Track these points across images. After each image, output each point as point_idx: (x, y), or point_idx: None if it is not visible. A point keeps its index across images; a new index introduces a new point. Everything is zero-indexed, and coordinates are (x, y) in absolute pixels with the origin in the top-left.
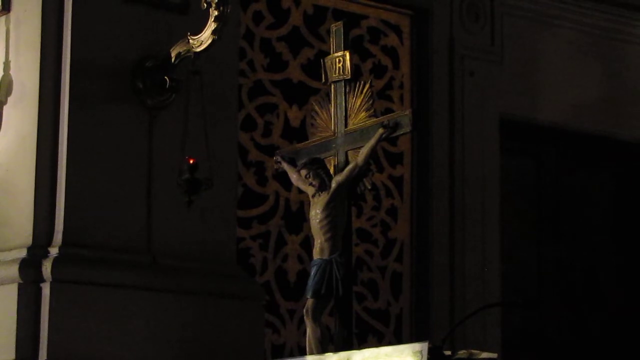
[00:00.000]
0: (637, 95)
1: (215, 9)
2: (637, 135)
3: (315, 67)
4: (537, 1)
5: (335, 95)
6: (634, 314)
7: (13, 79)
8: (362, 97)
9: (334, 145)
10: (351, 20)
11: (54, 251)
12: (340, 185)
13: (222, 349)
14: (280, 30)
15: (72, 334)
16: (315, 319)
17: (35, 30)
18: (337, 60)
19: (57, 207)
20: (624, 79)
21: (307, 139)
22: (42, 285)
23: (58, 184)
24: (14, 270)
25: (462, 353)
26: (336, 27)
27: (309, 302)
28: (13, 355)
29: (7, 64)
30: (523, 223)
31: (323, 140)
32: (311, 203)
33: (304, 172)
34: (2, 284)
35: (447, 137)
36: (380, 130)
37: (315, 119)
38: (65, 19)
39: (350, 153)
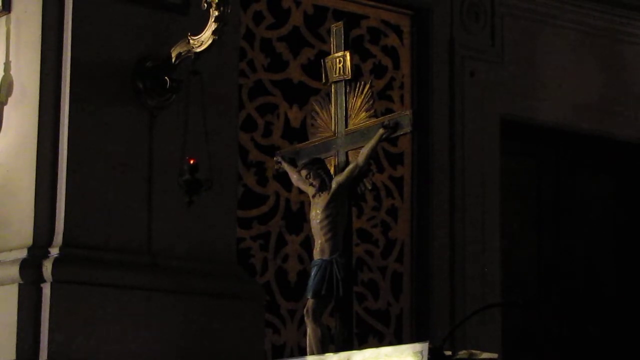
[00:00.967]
0: (637, 95)
1: (215, 10)
2: (637, 135)
3: (315, 68)
4: (537, 1)
5: (336, 96)
6: (634, 314)
7: (13, 79)
8: (362, 98)
9: (334, 146)
10: (351, 21)
11: (54, 251)
12: (340, 186)
13: (223, 349)
14: (281, 30)
15: (72, 334)
16: (316, 319)
17: (36, 30)
18: (338, 60)
19: (57, 208)
20: (624, 80)
21: (307, 139)
22: (42, 285)
23: (58, 184)
24: (14, 271)
25: (462, 353)
26: (336, 27)
27: (310, 302)
28: (13, 356)
29: (7, 65)
30: (523, 223)
31: (323, 141)
32: (311, 203)
33: (304, 172)
34: (2, 285)
35: (447, 138)
36: (381, 131)
37: (315, 119)
38: (65, 20)
39: (350, 153)
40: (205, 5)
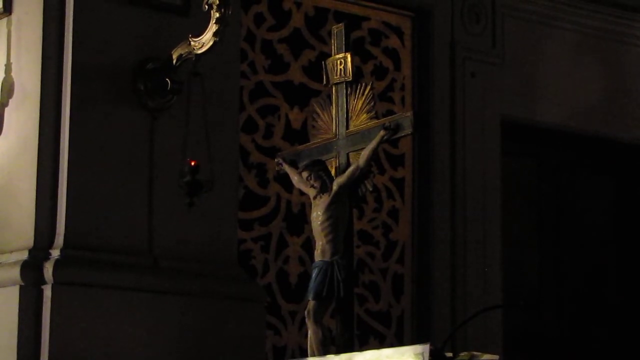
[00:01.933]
0: (637, 96)
1: (216, 11)
2: (637, 136)
3: (316, 69)
4: (538, 3)
5: (337, 97)
6: (634, 316)
7: (14, 81)
8: (363, 99)
9: (335, 147)
10: (352, 22)
11: (55, 253)
12: (341, 187)
13: (224, 351)
14: (282, 32)
15: (73, 336)
16: (317, 321)
17: (37, 32)
18: (339, 62)
19: (58, 209)
20: (624, 81)
21: (308, 141)
22: (43, 287)
23: (59, 186)
24: (15, 273)
25: (463, 355)
26: (337, 29)
27: (311, 304)
28: (15, 358)
29: (8, 66)
30: (524, 225)
31: (324, 142)
32: (312, 205)
33: (305, 173)
34: (3, 286)
35: (448, 139)
36: (382, 132)
37: (316, 121)
38: (66, 21)
39: (351, 155)
40: (206, 6)
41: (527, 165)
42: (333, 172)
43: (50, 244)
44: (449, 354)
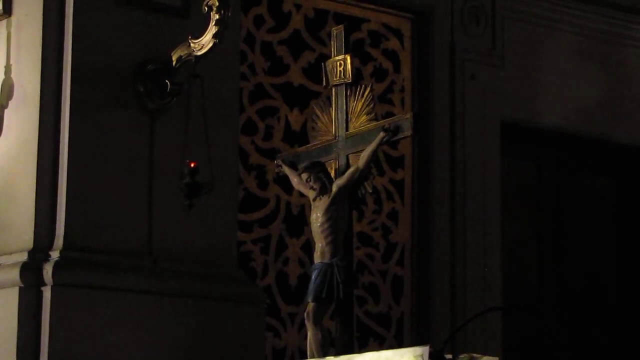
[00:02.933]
0: (637, 98)
1: (216, 13)
2: (637, 138)
3: (316, 71)
4: (538, 5)
5: (336, 99)
6: (636, 318)
7: (14, 82)
8: (363, 101)
9: (334, 149)
10: (352, 24)
11: (55, 255)
12: (341, 189)
13: (223, 353)
14: (281, 33)
15: (73, 337)
16: (316, 323)
17: (37, 33)
18: (338, 63)
19: (58, 211)
20: (625, 83)
21: (308, 143)
22: (43, 289)
23: (59, 187)
24: (15, 274)
25: (463, 357)
26: (337, 30)
27: (310, 305)
28: (14, 359)
29: (8, 68)
30: (524, 227)
31: (324, 144)
32: (312, 207)
33: (304, 175)
34: (3, 288)
35: (448, 141)
36: (381, 134)
37: (316, 123)
38: (66, 23)
39: (351, 157)
40: (206, 8)
41: (527, 167)
42: (333, 173)
43: (50, 246)
44: (449, 356)
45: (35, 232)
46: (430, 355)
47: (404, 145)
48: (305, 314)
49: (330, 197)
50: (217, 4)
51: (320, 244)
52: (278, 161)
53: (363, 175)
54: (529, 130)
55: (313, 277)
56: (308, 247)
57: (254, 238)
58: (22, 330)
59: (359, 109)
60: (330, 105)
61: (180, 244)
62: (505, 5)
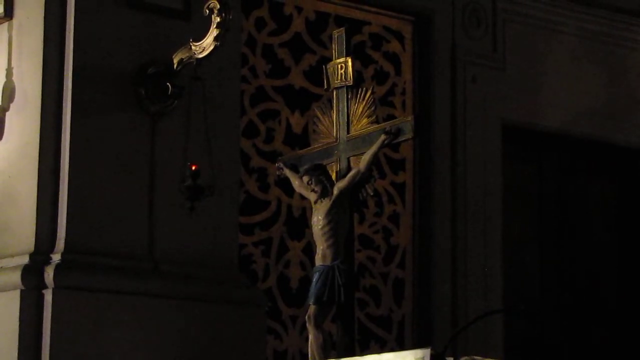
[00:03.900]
0: (638, 100)
1: (217, 16)
2: (638, 140)
3: (317, 74)
4: (538, 7)
5: (337, 102)
6: (635, 320)
7: (15, 85)
8: (364, 104)
9: (336, 152)
10: (353, 27)
11: (56, 258)
12: (342, 192)
13: (224, 355)
14: (282, 36)
15: (74, 340)
16: (318, 326)
17: (38, 37)
18: (339, 66)
19: (59, 214)
20: (625, 85)
21: (309, 145)
22: (44, 291)
23: (60, 190)
24: (16, 277)
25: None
26: (338, 33)
27: (311, 308)
28: None
29: (9, 71)
30: (525, 229)
31: (325, 147)
32: (313, 209)
33: (306, 178)
34: (4, 291)
35: (449, 143)
36: (382, 137)
37: (317, 125)
38: (67, 26)
39: (352, 159)
40: (207, 11)
41: (528, 169)
42: (334, 176)
43: (51, 249)
44: (450, 359)
45: (36, 235)
46: (432, 357)
47: (405, 148)
48: (306, 317)
49: (332, 200)
50: (218, 6)
51: (321, 247)
52: (279, 164)
53: (364, 177)
54: (530, 133)
55: (314, 279)
56: (309, 249)
57: (255, 241)
58: (23, 333)
59: (360, 112)
60: (332, 107)
61: (181, 246)
62: (506, 7)
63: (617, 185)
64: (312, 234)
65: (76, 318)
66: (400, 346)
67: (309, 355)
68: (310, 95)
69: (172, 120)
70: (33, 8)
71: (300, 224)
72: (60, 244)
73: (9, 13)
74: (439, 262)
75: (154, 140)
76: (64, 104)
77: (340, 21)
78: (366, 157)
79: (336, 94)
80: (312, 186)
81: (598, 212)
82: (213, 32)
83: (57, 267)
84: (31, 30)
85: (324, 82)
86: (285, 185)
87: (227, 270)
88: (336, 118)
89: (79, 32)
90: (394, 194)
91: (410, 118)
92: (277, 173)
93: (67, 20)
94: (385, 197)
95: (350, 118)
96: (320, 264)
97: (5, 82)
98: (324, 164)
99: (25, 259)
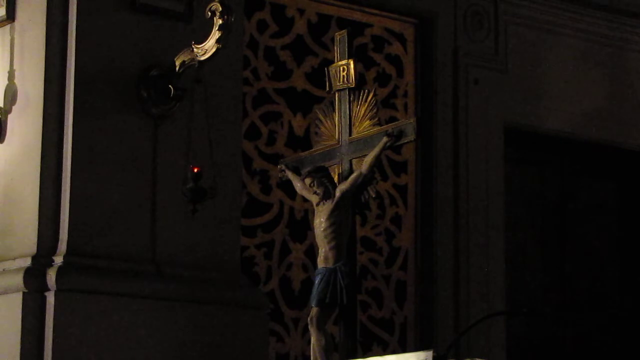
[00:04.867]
0: None
1: (219, 18)
2: None
3: (319, 76)
4: (541, 10)
5: (340, 104)
6: (638, 321)
7: (18, 87)
8: (366, 106)
9: (338, 154)
10: (355, 29)
11: (58, 260)
12: (344, 194)
13: (227, 358)
14: (284, 38)
15: (76, 342)
16: (320, 328)
17: (40, 39)
18: (342, 68)
19: (61, 216)
20: (628, 87)
21: (311, 148)
22: (46, 294)
23: (62, 192)
24: (18, 279)
25: None
26: (340, 35)
27: (314, 310)
28: None
29: (11, 73)
30: (527, 231)
31: (327, 149)
32: (315, 212)
33: (308, 180)
34: (6, 293)
35: (451, 146)
36: (385, 139)
37: (319, 128)
38: (69, 28)
39: (354, 161)
40: (209, 13)
41: (530, 171)
42: (336, 178)
43: (53, 251)
44: None
45: (38, 238)
46: None
47: (407, 150)
48: (308, 319)
49: (334, 202)
50: (220, 9)
51: (323, 249)
52: (281, 166)
53: (366, 180)
54: (532, 135)
55: (316, 282)
56: (311, 252)
57: (257, 243)
58: (25, 336)
59: (362, 114)
60: (334, 110)
61: (183, 249)
62: (508, 10)
63: (619, 187)
64: (314, 236)
65: (78, 320)
66: (402, 348)
67: (311, 358)
68: (313, 98)
69: (174, 122)
70: (35, 10)
71: (302, 226)
72: (62, 246)
73: (11, 15)
74: (441, 264)
75: (156, 142)
76: (66, 107)
77: (342, 23)
78: (368, 160)
79: (338, 96)
80: (315, 188)
81: (600, 214)
82: (215, 35)
83: (60, 270)
84: (33, 32)
85: (326, 84)
86: (287, 187)
87: (229, 272)
88: (338, 120)
89: (81, 35)
90: (396, 196)
91: (412, 120)
92: (279, 175)
93: (69, 23)
94: (388, 200)
95: (353, 120)
96: (323, 266)
97: (8, 85)
98: (326, 166)
99: (28, 262)
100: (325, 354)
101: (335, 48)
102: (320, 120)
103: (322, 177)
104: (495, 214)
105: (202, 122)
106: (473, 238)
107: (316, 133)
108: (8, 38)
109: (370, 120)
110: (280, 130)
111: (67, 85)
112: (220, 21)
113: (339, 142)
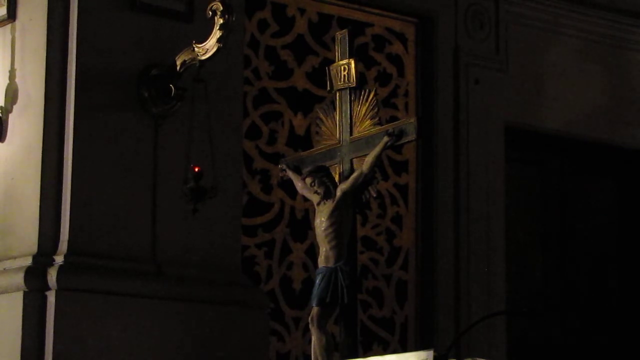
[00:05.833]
0: None
1: (220, 17)
2: None
3: (320, 75)
4: (542, 9)
5: (340, 103)
6: (638, 320)
7: (18, 87)
8: (367, 105)
9: (339, 153)
10: (356, 28)
11: (59, 259)
12: (345, 193)
13: (227, 357)
14: (285, 38)
15: (77, 342)
16: (321, 327)
17: (41, 38)
18: (342, 68)
19: (62, 215)
20: (628, 87)
21: (312, 147)
22: (47, 293)
23: (63, 192)
24: (19, 279)
25: None
26: (341, 35)
27: (314, 310)
28: None
29: (12, 72)
30: (528, 230)
31: (328, 148)
32: (316, 211)
33: (309, 180)
34: (7, 292)
35: (452, 145)
36: (385, 138)
37: (320, 127)
38: (70, 28)
39: (355, 161)
40: (210, 13)
41: (531, 171)
42: (337, 178)
43: (54, 250)
44: None
45: (39, 237)
46: (435, 359)
47: (408, 150)
48: (309, 319)
49: (335, 202)
50: (221, 8)
51: (324, 249)
52: (282, 165)
53: (367, 179)
54: (533, 134)
55: (317, 281)
56: (312, 251)
57: (258, 242)
58: (26, 335)
59: (363, 113)
60: (334, 109)
61: (184, 248)
62: (509, 9)
63: (619, 186)
64: (315, 236)
65: (79, 320)
66: (403, 348)
67: (312, 357)
68: (313, 97)
69: (175, 122)
70: (36, 10)
71: (303, 225)
72: (63, 245)
73: (12, 15)
74: (442, 263)
75: (157, 142)
76: (66, 106)
77: (343, 23)
78: (369, 159)
79: (339, 96)
80: (315, 188)
81: (601, 213)
82: (216, 34)
83: (60, 269)
84: (34, 32)
85: (326, 83)
86: (288, 187)
87: (230, 271)
88: (339, 120)
89: (82, 34)
90: (396, 195)
91: (413, 120)
92: (280, 175)
93: (70, 22)
94: (388, 199)
95: (353, 120)
96: (323, 265)
97: (8, 84)
98: (327, 165)
99: (28, 261)
100: (326, 353)
101: (336, 47)
102: (321, 120)
103: (322, 177)
104: (496, 213)
105: (202, 122)
106: (473, 237)
107: (317, 132)
108: (9, 37)
109: (371, 119)
110: (281, 130)
111: (68, 84)
112: (221, 20)
113: (339, 141)
